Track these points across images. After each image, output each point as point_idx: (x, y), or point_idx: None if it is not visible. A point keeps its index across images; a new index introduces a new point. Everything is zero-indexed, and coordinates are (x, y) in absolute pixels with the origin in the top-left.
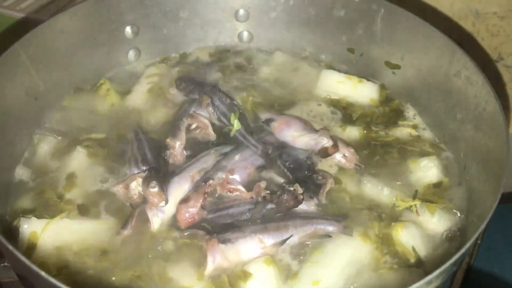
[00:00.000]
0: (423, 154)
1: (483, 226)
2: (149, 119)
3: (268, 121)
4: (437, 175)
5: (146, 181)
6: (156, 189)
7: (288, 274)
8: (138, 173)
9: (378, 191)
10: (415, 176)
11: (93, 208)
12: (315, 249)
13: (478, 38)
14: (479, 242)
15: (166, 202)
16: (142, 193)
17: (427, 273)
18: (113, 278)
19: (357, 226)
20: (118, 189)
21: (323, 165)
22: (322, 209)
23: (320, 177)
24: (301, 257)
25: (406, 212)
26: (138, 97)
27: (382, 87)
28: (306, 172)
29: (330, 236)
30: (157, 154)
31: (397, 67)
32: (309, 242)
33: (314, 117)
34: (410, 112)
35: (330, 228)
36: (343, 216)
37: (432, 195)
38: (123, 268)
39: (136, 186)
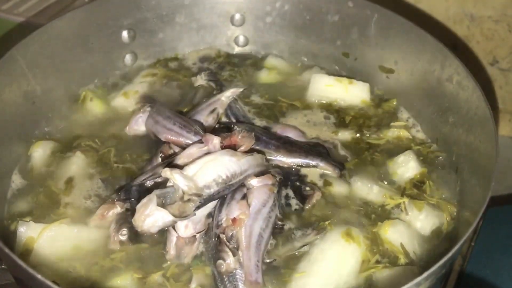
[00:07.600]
0: None
1: (470, 230)
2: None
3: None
4: (416, 168)
5: (117, 225)
6: (125, 238)
7: None
8: (112, 200)
9: (367, 189)
10: (397, 174)
11: (90, 215)
12: (301, 257)
13: (473, 41)
14: (472, 244)
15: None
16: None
17: (419, 270)
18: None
19: (344, 226)
20: (95, 221)
21: (311, 172)
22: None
23: (308, 188)
24: (287, 269)
25: (395, 211)
26: (130, 102)
27: (376, 90)
28: (296, 182)
29: (307, 244)
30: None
31: (390, 71)
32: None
33: (308, 122)
34: (404, 115)
35: (308, 238)
36: (314, 224)
37: (418, 192)
38: (116, 276)
39: (112, 214)
